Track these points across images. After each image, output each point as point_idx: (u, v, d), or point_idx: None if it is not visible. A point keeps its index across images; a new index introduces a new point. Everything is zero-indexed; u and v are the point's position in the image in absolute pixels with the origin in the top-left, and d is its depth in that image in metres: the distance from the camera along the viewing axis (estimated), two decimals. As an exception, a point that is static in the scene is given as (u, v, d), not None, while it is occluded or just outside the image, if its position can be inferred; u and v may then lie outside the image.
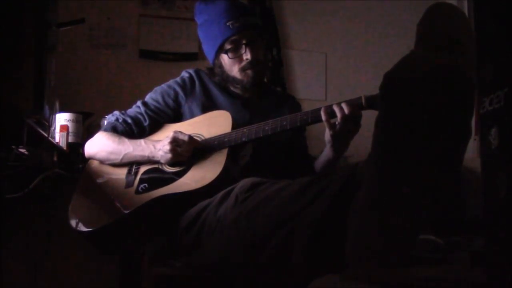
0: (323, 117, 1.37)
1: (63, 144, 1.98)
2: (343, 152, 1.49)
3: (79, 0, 2.62)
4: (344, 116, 1.34)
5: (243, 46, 1.57)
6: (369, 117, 1.17)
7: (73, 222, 1.46)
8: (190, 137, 1.45)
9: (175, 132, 1.45)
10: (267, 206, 1.09)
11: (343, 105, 1.35)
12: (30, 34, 1.19)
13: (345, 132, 1.38)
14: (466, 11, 2.79)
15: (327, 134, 1.40)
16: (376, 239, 0.87)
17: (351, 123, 1.36)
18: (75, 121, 2.04)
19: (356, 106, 1.35)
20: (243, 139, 1.44)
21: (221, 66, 1.62)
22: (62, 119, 2.02)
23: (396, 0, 3.10)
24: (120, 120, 1.60)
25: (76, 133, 2.03)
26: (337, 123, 1.36)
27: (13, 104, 1.15)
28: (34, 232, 1.86)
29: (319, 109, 1.38)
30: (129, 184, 1.49)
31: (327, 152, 1.49)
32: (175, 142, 1.43)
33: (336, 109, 1.35)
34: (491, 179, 0.62)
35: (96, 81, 2.64)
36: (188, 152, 1.44)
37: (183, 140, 1.44)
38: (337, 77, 3.03)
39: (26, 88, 1.20)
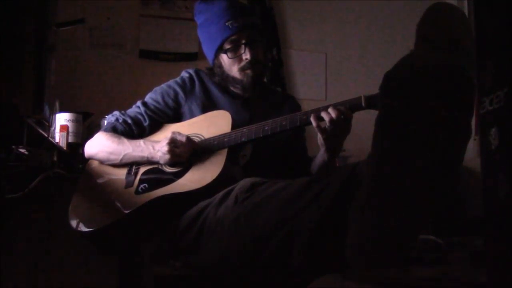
0: (313, 123, 1.38)
1: (63, 144, 1.98)
2: (338, 153, 1.51)
3: (79, 0, 2.62)
4: (331, 120, 1.35)
5: (243, 46, 1.57)
6: (369, 117, 1.17)
7: (73, 222, 1.46)
8: (188, 138, 1.45)
9: (173, 133, 1.45)
10: (267, 206, 1.09)
11: (330, 110, 1.35)
12: (30, 34, 1.19)
13: (336, 134, 1.39)
14: (466, 11, 2.79)
15: (320, 138, 1.42)
16: (376, 239, 0.87)
17: (341, 125, 1.36)
18: (75, 121, 2.04)
19: (346, 109, 1.35)
20: (243, 139, 1.44)
21: (220, 66, 1.62)
22: (62, 119, 2.02)
23: (396, 0, 3.10)
24: (120, 120, 1.60)
25: (76, 133, 2.03)
26: (326, 127, 1.37)
27: (13, 104, 1.15)
28: (34, 232, 1.86)
29: (319, 109, 1.38)
30: (129, 185, 1.49)
31: (322, 155, 1.50)
32: (173, 143, 1.43)
33: (323, 114, 1.36)
34: (491, 179, 0.62)
35: (96, 81, 2.64)
36: (186, 153, 1.44)
37: (181, 141, 1.44)
38: (337, 77, 3.03)
39: (26, 88, 1.19)
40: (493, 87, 0.62)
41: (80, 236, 1.45)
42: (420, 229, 0.91)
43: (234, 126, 1.49)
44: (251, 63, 1.57)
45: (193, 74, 1.68)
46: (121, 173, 1.53)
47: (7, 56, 1.11)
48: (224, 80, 1.63)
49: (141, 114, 1.61)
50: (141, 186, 1.46)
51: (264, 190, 1.15)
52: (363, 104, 1.33)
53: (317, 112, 1.38)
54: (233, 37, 1.56)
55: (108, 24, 2.72)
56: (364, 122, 1.36)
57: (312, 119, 1.38)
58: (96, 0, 2.69)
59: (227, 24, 1.56)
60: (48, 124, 1.50)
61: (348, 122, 1.38)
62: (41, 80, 1.28)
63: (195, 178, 1.40)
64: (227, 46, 1.58)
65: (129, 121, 1.60)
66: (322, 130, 1.38)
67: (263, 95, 1.69)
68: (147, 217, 1.41)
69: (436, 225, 0.96)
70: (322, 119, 1.37)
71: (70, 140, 2.00)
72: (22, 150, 1.50)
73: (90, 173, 1.61)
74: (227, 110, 1.55)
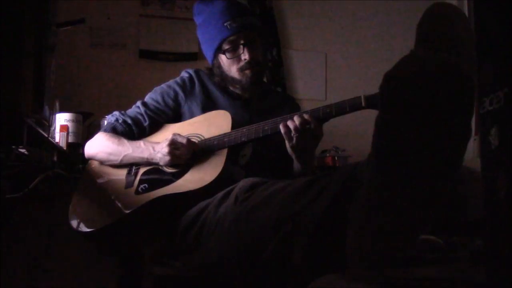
0: (282, 130, 1.36)
1: (63, 144, 1.98)
2: (311, 161, 1.48)
3: (79, 0, 2.62)
4: (295, 128, 1.34)
5: (241, 46, 1.57)
6: (369, 117, 1.17)
7: (73, 223, 1.46)
8: (188, 140, 1.45)
9: (174, 134, 1.45)
10: (267, 206, 1.09)
11: (295, 118, 1.35)
12: (30, 34, 1.19)
13: (303, 143, 1.37)
14: (466, 11, 2.79)
15: (287, 147, 1.40)
16: (376, 239, 0.87)
17: (306, 134, 1.35)
18: (75, 121, 2.04)
19: (312, 118, 1.34)
20: (243, 139, 1.44)
21: (219, 66, 1.62)
22: (62, 119, 2.02)
23: (396, 0, 3.10)
24: (120, 121, 1.60)
25: (76, 133, 2.03)
26: (292, 135, 1.36)
27: (13, 104, 1.15)
28: (34, 232, 1.86)
29: (319, 109, 1.38)
30: (129, 185, 1.49)
31: (295, 164, 1.48)
32: (173, 145, 1.43)
33: (288, 122, 1.35)
34: (491, 179, 0.62)
35: (96, 81, 2.65)
36: (187, 155, 1.44)
37: (181, 143, 1.44)
38: (337, 77, 3.03)
39: (26, 88, 1.19)
40: (493, 87, 0.62)
41: (80, 236, 1.45)
42: (420, 230, 0.91)
43: (234, 126, 1.49)
44: (250, 64, 1.57)
45: (193, 74, 1.68)
46: (121, 173, 1.53)
47: (7, 56, 1.11)
48: (223, 80, 1.63)
49: (141, 114, 1.61)
50: (141, 186, 1.46)
51: (264, 190, 1.14)
52: (362, 104, 1.33)
53: (285, 120, 1.36)
54: (231, 38, 1.56)
55: (108, 24, 2.72)
56: (364, 122, 1.36)
57: (280, 126, 1.36)
58: (96, 0, 2.69)
59: (225, 24, 1.56)
60: (48, 124, 1.50)
61: (316, 132, 1.36)
62: (41, 80, 1.28)
63: (195, 178, 1.41)
64: (225, 46, 1.58)
65: (129, 121, 1.60)
66: (289, 138, 1.37)
67: (263, 95, 1.69)
68: (147, 217, 1.41)
69: (436, 225, 0.96)
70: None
71: (70, 140, 2.01)
72: (22, 150, 1.50)
73: (90, 173, 1.61)
74: (227, 110, 1.55)
